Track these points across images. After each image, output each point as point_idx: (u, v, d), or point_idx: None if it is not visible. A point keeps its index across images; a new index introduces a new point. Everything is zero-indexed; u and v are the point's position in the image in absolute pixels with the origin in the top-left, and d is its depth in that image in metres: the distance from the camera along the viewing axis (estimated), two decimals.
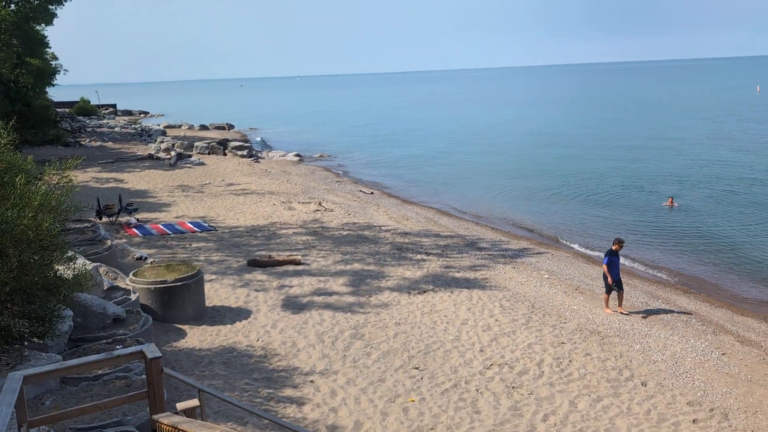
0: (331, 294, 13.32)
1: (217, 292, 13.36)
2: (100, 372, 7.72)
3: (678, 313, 12.88)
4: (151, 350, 5.98)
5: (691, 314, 12.85)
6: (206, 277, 14.10)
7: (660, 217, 21.44)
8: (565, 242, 19.15)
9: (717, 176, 27.86)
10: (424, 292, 13.53)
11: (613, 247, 13.09)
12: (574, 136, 45.08)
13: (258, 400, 8.69)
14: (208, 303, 12.52)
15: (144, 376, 7.48)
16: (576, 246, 18.68)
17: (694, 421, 8.42)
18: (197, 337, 11.00)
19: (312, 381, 9.37)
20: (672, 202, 22.81)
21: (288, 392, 8.98)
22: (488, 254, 17.00)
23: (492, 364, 10.01)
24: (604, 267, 12.88)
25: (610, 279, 12.78)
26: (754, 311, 13.31)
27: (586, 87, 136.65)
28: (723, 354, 10.79)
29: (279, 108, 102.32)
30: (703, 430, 8.22)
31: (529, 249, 17.89)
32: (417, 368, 9.85)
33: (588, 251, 18.15)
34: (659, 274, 16.01)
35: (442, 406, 8.66)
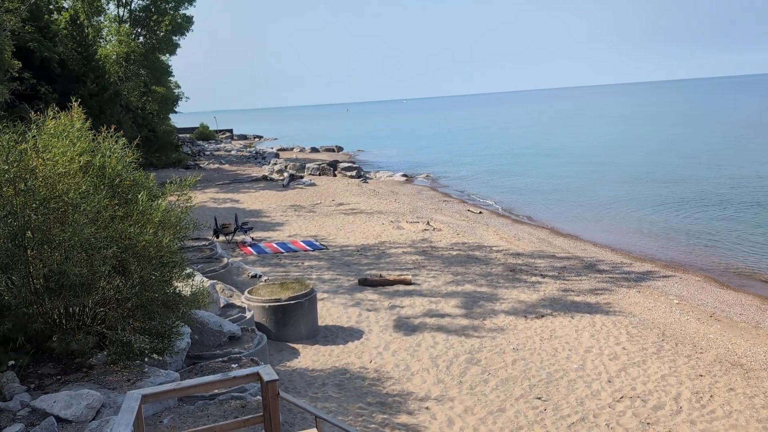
0: (443, 316, 12.89)
1: (329, 311, 13.26)
2: (216, 391, 7.67)
3: None
4: (268, 372, 5.79)
5: None
6: (318, 295, 14.07)
7: None
8: (692, 264, 17.71)
9: None
10: (542, 316, 12.81)
11: None
12: (700, 153, 42.33)
13: (372, 426, 8.38)
14: (320, 322, 12.43)
15: (259, 398, 7.35)
16: (705, 268, 17.21)
17: None
18: (310, 357, 10.88)
19: (428, 408, 8.95)
20: None
21: (403, 418, 8.61)
22: (609, 277, 15.97)
23: (622, 397, 9.19)
24: None
25: None
26: None
27: (694, 103, 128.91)
28: None
29: (386, 130, 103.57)
30: None
31: (654, 272, 16.66)
32: (539, 398, 9.20)
33: (721, 274, 16.66)
34: None
35: None
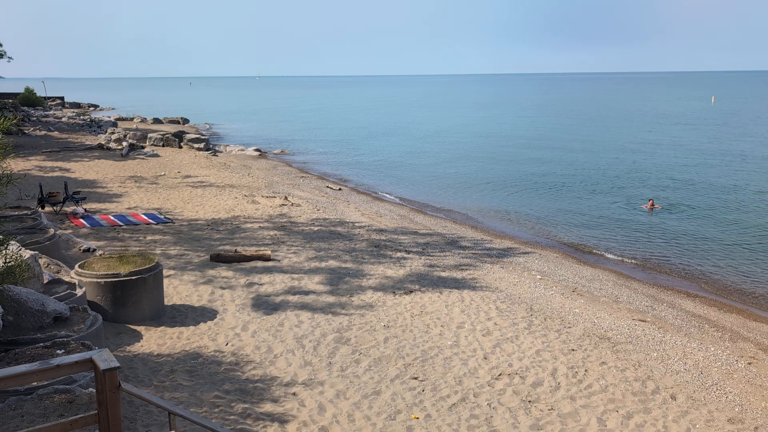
0: (307, 293, 11.85)
1: (177, 289, 11.73)
2: (35, 384, 6.10)
3: (688, 317, 11.87)
4: (105, 359, 4.46)
5: (702, 318, 11.85)
6: (164, 272, 12.47)
7: (642, 219, 20.63)
8: (551, 241, 18.09)
9: (690, 180, 27.38)
10: (411, 292, 12.19)
11: None
12: (547, 139, 44.49)
13: (232, 417, 7.19)
14: (167, 301, 10.91)
15: (92, 390, 5.92)
16: (562, 246, 17.63)
17: None
18: (155, 341, 9.39)
19: (295, 393, 7.90)
20: (653, 205, 22.06)
21: (267, 407, 7.50)
22: (472, 253, 15.77)
23: (501, 374, 8.72)
24: None
25: None
26: (763, 315, 12.40)
27: (557, 94, 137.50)
28: (749, 363, 9.76)
29: (237, 105, 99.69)
30: None
31: (515, 248, 16.74)
32: (416, 378, 8.48)
33: (578, 250, 17.12)
34: (658, 277, 15.03)
35: (453, 425, 7.32)
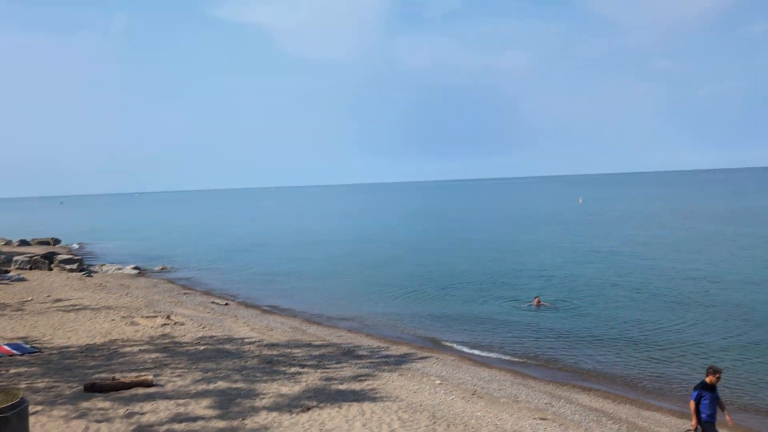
0: (195, 419, 10.87)
1: (45, 427, 10.38)
2: None
3: (586, 411, 11.96)
4: None
5: (598, 411, 11.98)
6: (30, 409, 11.07)
7: (530, 316, 21.18)
8: (446, 344, 18.04)
9: (569, 277, 28.71)
10: (309, 409, 11.51)
11: (707, 379, 9.48)
12: (428, 242, 45.58)
13: None
14: None
15: None
16: (459, 348, 17.61)
17: None
18: None
19: None
20: (539, 302, 22.77)
21: None
22: (370, 362, 15.34)
23: None
24: (692, 404, 9.44)
25: (693, 422, 9.37)
26: (655, 404, 12.74)
27: (434, 200, 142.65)
28: None
29: (114, 223, 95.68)
30: None
31: (412, 354, 16.51)
32: None
33: (474, 352, 17.13)
34: (552, 373, 15.21)
35: None
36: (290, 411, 11.33)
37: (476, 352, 17.18)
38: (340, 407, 11.59)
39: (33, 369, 14.10)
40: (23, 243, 51.66)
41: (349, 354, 16.14)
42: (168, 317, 20.12)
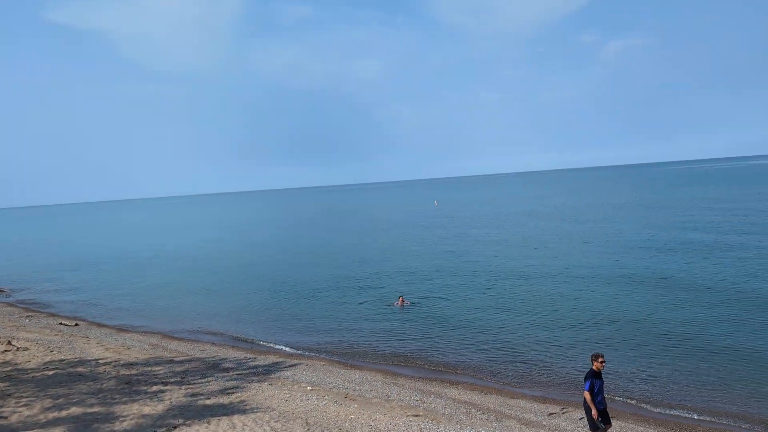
0: None
1: None
2: None
3: (456, 404, 12.33)
4: None
5: (467, 404, 12.39)
6: None
7: (395, 315, 21.56)
8: (314, 350, 17.89)
9: (429, 275, 29.58)
10: (174, 427, 10.93)
11: (594, 366, 9.45)
12: (287, 248, 45.07)
13: None
14: None
15: None
16: (326, 352, 17.53)
17: None
18: None
19: None
20: (402, 301, 23.25)
21: None
22: (237, 374, 14.87)
23: None
24: (587, 395, 9.29)
25: (594, 411, 9.19)
26: (519, 392, 13.40)
27: (292, 206, 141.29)
28: None
29: None
30: None
31: (281, 362, 16.20)
32: None
33: (341, 356, 17.11)
34: (420, 370, 15.54)
35: None
36: None
37: (344, 354, 17.19)
38: (209, 423, 11.13)
39: None
40: None
41: (214, 367, 15.55)
42: (9, 342, 18.33)
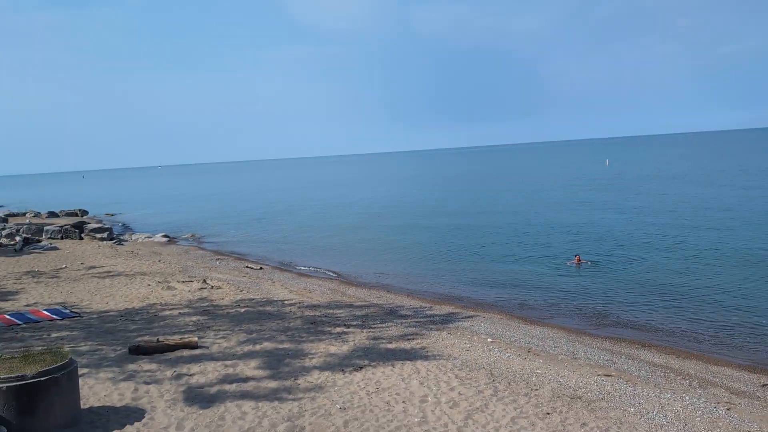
0: (245, 380, 10.53)
1: (93, 390, 10.11)
2: None
3: (651, 367, 11.42)
4: None
5: (664, 367, 11.43)
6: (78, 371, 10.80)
7: (571, 274, 20.59)
8: (490, 304, 17.55)
9: (604, 236, 27.98)
10: (361, 368, 11.12)
11: None
12: (463, 207, 44.94)
13: None
14: (83, 404, 9.30)
15: None
16: (503, 307, 17.11)
17: None
18: None
19: None
20: (579, 260, 22.15)
21: None
22: (415, 321, 14.92)
23: None
24: None
25: None
26: (723, 359, 12.16)
27: (464, 166, 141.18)
28: (728, 409, 9.29)
29: (138, 195, 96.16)
30: None
31: (457, 313, 16.04)
32: None
33: (520, 311, 16.61)
34: (606, 330, 14.65)
35: None
36: (342, 370, 10.95)
37: (523, 310, 16.66)
38: (393, 366, 11.18)
39: (74, 333, 13.87)
40: (52, 215, 51.90)
41: (392, 314, 15.73)
42: (204, 281, 19.86)
